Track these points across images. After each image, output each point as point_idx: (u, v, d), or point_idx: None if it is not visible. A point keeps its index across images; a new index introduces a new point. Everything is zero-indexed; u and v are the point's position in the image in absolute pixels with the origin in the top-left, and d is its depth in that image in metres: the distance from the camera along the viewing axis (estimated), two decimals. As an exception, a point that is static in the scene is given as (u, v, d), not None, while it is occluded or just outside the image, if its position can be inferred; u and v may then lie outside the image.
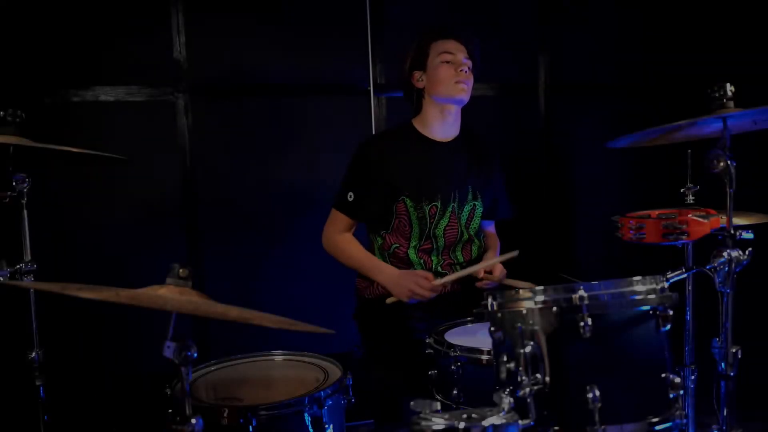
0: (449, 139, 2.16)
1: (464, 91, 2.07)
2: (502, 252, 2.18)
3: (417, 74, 2.12)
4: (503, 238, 2.34)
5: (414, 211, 2.09)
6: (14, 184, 1.75)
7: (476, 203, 2.15)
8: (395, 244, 2.13)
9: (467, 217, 2.14)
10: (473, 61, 2.12)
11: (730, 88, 1.50)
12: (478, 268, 2.07)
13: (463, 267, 2.16)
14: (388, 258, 2.14)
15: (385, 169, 2.08)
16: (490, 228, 2.33)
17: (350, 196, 2.11)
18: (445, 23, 2.20)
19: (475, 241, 2.19)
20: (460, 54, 2.09)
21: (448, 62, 2.07)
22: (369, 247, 2.20)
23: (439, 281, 1.99)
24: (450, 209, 2.11)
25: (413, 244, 2.12)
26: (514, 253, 2.00)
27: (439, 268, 2.13)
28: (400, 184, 2.08)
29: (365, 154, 2.12)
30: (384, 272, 2.08)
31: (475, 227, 2.17)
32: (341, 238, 2.16)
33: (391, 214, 2.11)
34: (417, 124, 2.17)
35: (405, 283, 2.00)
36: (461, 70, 2.05)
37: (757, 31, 2.74)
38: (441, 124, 2.14)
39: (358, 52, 2.87)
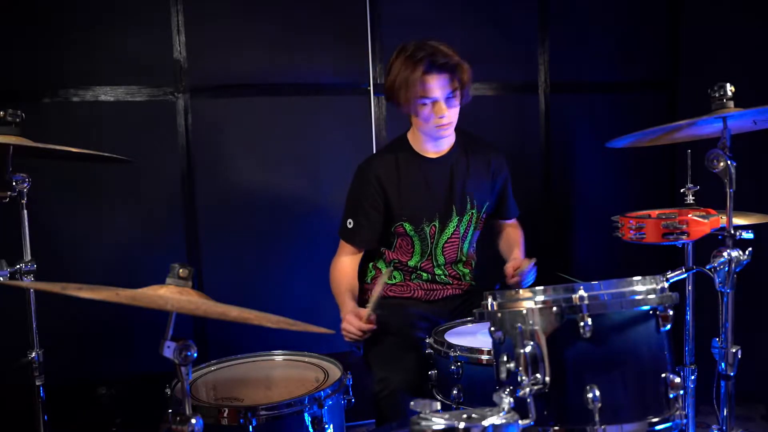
0: (444, 151, 2.11)
1: (446, 131, 2.00)
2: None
3: (396, 104, 2.00)
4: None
5: (415, 233, 2.08)
6: (14, 184, 1.75)
7: (473, 211, 2.13)
8: (395, 260, 2.14)
9: (465, 227, 2.13)
10: (460, 87, 1.95)
11: (730, 88, 1.50)
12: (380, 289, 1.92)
13: (465, 279, 2.19)
14: (394, 267, 2.15)
15: (383, 196, 2.05)
16: (511, 221, 2.30)
17: (349, 223, 2.09)
18: (420, 51, 1.90)
19: (474, 259, 2.21)
20: (441, 91, 1.92)
21: (425, 104, 1.95)
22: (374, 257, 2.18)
23: (366, 311, 1.86)
24: (450, 226, 2.10)
25: (415, 259, 2.12)
26: (532, 261, 1.97)
27: (444, 278, 2.15)
28: (398, 210, 2.06)
29: (362, 183, 2.08)
30: (342, 310, 2.00)
31: (470, 237, 2.16)
32: (337, 264, 2.13)
33: (392, 236, 2.11)
34: (411, 138, 2.12)
35: (342, 323, 1.92)
36: (441, 117, 1.94)
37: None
38: (433, 143, 2.09)
39: (358, 51, 2.87)
